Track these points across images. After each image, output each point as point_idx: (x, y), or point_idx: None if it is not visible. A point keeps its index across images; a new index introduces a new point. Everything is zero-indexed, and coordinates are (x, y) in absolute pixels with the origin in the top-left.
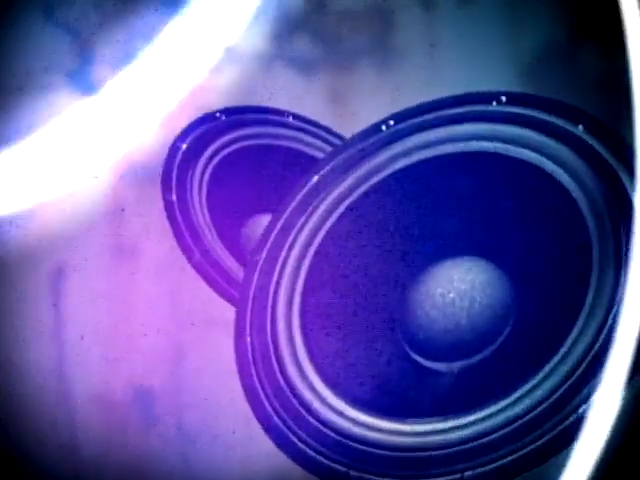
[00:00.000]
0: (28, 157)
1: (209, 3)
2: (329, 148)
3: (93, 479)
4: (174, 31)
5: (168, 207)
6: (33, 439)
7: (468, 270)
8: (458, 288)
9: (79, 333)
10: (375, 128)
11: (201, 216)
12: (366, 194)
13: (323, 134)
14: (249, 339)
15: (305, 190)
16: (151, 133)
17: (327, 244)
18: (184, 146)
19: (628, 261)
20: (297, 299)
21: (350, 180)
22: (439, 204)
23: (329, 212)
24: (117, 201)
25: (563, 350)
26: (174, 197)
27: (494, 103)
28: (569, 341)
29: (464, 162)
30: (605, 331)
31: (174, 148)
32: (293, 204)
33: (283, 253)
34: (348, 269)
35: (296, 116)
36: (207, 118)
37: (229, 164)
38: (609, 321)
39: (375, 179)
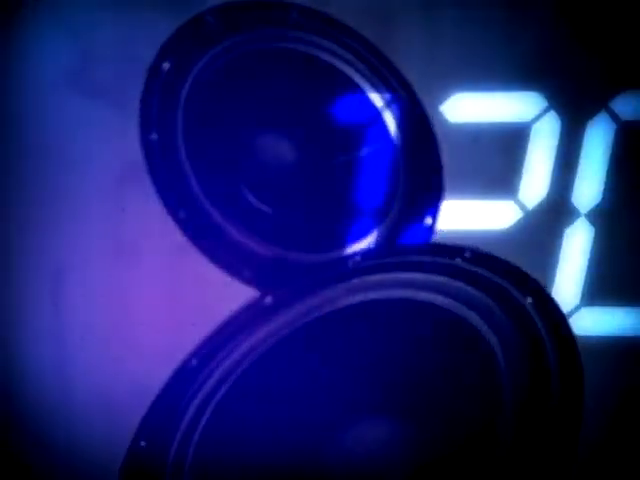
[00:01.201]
0: (28, 157)
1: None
2: (348, 54)
3: (93, 479)
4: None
5: (148, 150)
6: (33, 439)
7: (385, 434)
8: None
9: (79, 333)
10: (342, 261)
11: (187, 158)
12: (295, 336)
13: (340, 36)
14: (142, 444)
15: (249, 312)
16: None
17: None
18: (166, 65)
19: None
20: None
21: (288, 315)
22: (374, 353)
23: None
24: (117, 201)
25: None
26: (155, 135)
27: (458, 259)
28: None
29: (408, 312)
30: None
31: (154, 70)
32: (232, 326)
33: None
34: (254, 416)
35: (305, 11)
36: (193, 24)
37: (222, 80)
38: None
39: (312, 316)
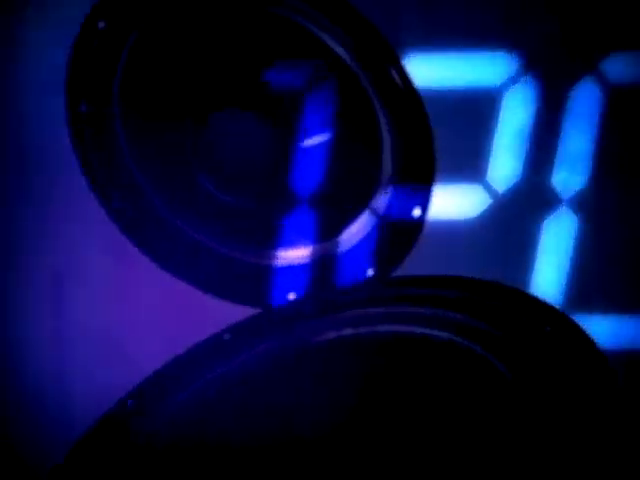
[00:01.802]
0: (28, 156)
1: None
2: (325, 21)
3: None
4: None
5: (75, 125)
6: (33, 439)
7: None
8: None
9: (79, 334)
10: (321, 296)
11: (126, 135)
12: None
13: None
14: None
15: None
16: None
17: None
18: (102, 24)
19: None
20: None
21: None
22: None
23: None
24: None
25: None
26: (85, 107)
27: (465, 292)
28: None
29: (406, 346)
30: None
31: (87, 29)
32: (186, 360)
33: None
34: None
35: None
36: None
37: (169, 41)
38: None
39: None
